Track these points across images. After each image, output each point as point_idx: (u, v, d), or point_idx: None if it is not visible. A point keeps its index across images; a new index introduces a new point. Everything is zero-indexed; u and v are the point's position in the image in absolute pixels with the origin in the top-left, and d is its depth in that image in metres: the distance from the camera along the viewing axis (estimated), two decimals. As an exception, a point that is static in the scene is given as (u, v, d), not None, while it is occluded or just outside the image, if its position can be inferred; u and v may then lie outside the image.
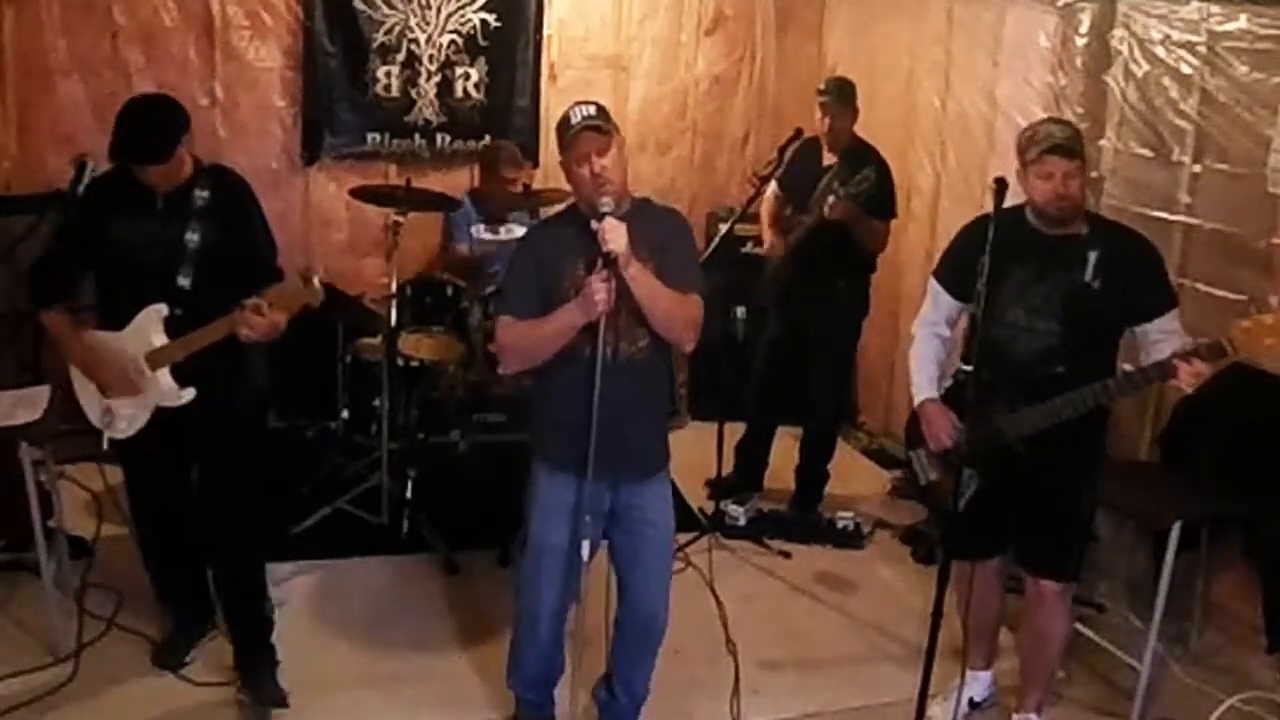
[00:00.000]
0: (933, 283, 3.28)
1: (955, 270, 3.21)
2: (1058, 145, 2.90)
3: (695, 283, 2.91)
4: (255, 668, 3.32)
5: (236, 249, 3.14)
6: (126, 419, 3.19)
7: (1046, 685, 3.34)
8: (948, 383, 3.27)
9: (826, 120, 4.49)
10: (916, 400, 3.23)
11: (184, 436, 3.20)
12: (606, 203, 2.75)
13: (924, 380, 3.23)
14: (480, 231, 4.74)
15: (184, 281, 3.07)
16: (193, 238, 3.07)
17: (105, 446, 3.26)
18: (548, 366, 2.89)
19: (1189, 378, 2.74)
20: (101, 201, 3.16)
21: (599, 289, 2.68)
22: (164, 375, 3.12)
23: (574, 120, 2.79)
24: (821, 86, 4.58)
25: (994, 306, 2.98)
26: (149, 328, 3.10)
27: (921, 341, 3.27)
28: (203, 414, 3.16)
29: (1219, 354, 2.71)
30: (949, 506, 3.03)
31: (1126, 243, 3.03)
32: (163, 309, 3.09)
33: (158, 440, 3.21)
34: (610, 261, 2.69)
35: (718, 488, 4.71)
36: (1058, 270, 2.98)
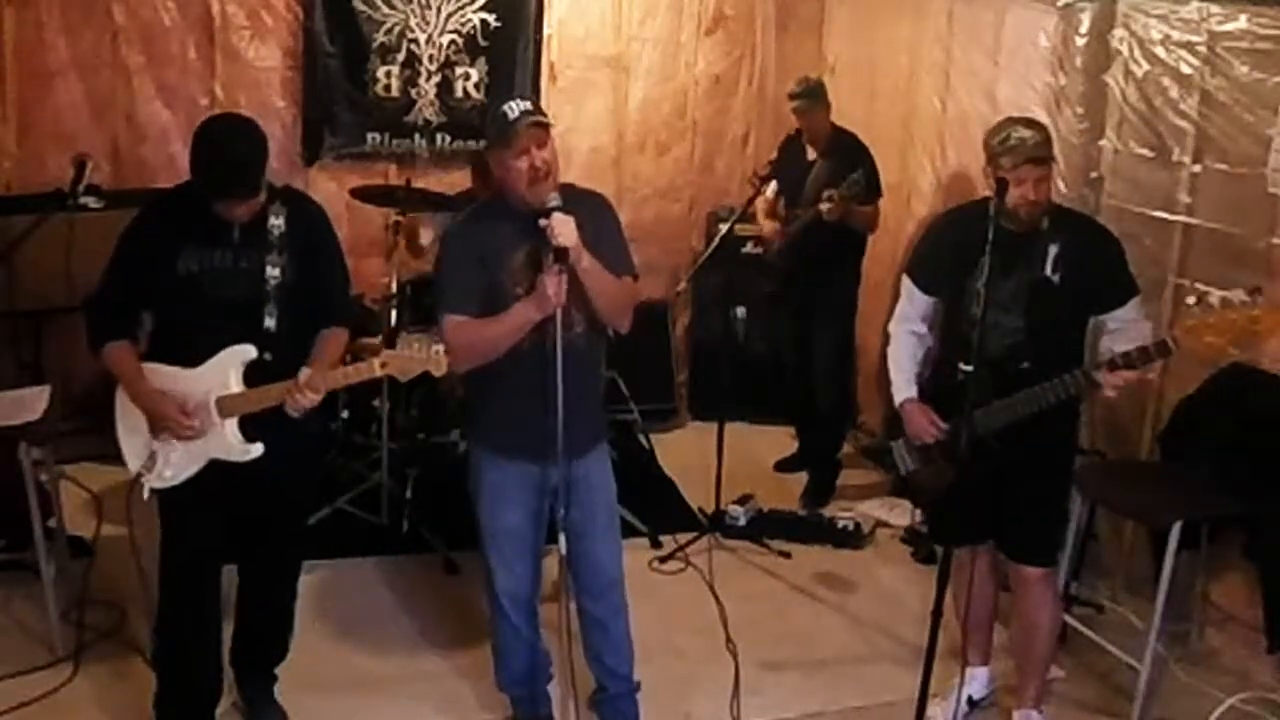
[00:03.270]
0: (905, 280, 3.33)
1: (925, 266, 3.27)
2: (1032, 157, 2.92)
3: (629, 266, 2.96)
4: (261, 690, 3.26)
5: (315, 284, 2.91)
6: (174, 467, 2.88)
7: (1043, 678, 3.34)
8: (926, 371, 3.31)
9: (802, 122, 4.72)
10: (897, 400, 3.28)
11: (236, 492, 2.91)
12: (554, 197, 2.76)
13: (902, 380, 3.27)
14: None
15: (270, 323, 2.82)
16: (274, 273, 2.82)
17: (145, 496, 2.92)
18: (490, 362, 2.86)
19: (1110, 389, 2.84)
20: (168, 230, 2.84)
21: (552, 283, 2.69)
22: (231, 426, 2.85)
23: (512, 115, 2.75)
24: (794, 89, 4.72)
25: (963, 303, 3.05)
26: (228, 370, 2.84)
27: (898, 341, 3.31)
28: (264, 471, 2.89)
29: (1164, 352, 2.78)
30: (931, 496, 3.10)
31: (1085, 234, 3.08)
32: (250, 351, 2.83)
33: (208, 494, 2.90)
34: (561, 256, 2.70)
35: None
36: (1019, 266, 3.02)
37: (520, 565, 3.04)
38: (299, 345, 2.86)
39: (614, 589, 3.11)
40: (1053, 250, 3.01)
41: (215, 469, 2.89)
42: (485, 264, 2.85)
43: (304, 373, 2.79)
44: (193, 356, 2.84)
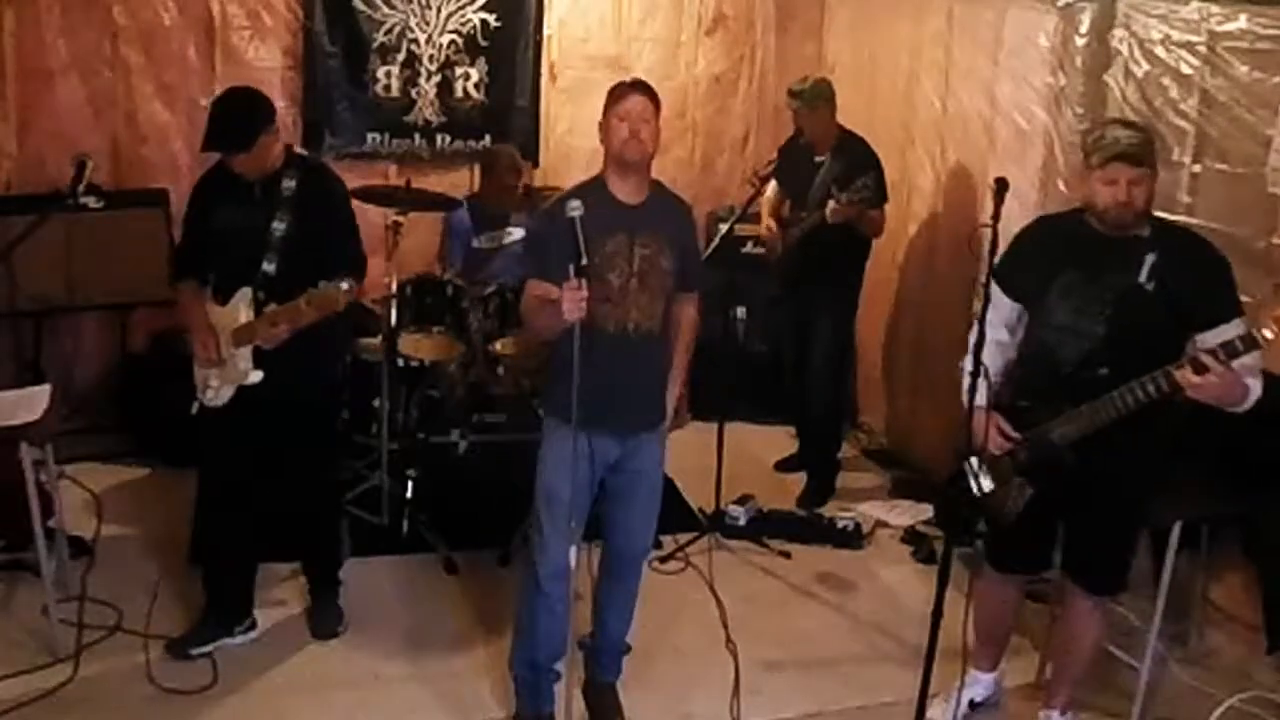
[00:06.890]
0: (992, 284, 3.13)
1: (1008, 270, 3.10)
2: (1122, 154, 2.83)
3: (704, 281, 3.26)
4: (320, 600, 3.75)
5: (317, 239, 3.33)
6: (213, 390, 3.41)
7: (1074, 687, 3.32)
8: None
9: (799, 123, 4.67)
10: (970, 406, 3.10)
11: (259, 419, 3.37)
12: (575, 206, 2.77)
13: (981, 386, 3.06)
14: (481, 240, 4.78)
15: (269, 268, 3.32)
16: (279, 226, 3.31)
17: (194, 411, 3.47)
18: (566, 333, 2.91)
19: (1193, 389, 2.72)
20: (207, 192, 3.43)
21: (569, 299, 2.72)
22: (244, 354, 3.33)
23: (627, 79, 3.10)
24: (793, 89, 4.68)
25: (1043, 309, 2.98)
26: (239, 306, 3.34)
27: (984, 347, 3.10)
28: (274, 398, 3.35)
29: (1252, 345, 2.65)
30: (1006, 518, 3.04)
31: (1189, 248, 2.96)
32: (248, 291, 3.33)
33: (237, 421, 3.40)
34: (583, 271, 2.72)
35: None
36: (1112, 271, 2.93)
37: (564, 528, 3.05)
38: (298, 290, 3.21)
39: (637, 551, 3.27)
40: (1150, 259, 2.89)
41: (243, 396, 3.37)
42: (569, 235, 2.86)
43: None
44: (225, 296, 3.39)
